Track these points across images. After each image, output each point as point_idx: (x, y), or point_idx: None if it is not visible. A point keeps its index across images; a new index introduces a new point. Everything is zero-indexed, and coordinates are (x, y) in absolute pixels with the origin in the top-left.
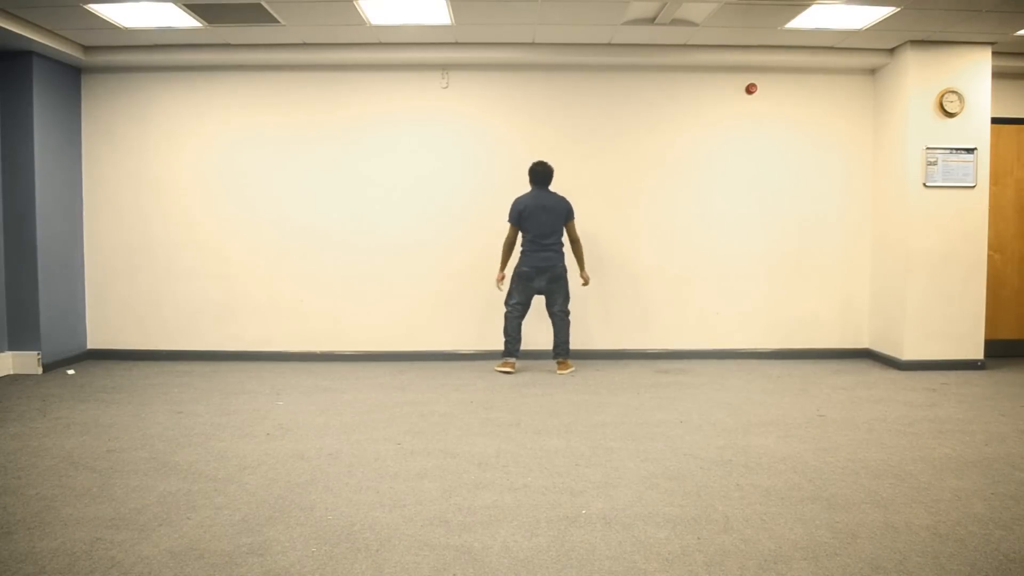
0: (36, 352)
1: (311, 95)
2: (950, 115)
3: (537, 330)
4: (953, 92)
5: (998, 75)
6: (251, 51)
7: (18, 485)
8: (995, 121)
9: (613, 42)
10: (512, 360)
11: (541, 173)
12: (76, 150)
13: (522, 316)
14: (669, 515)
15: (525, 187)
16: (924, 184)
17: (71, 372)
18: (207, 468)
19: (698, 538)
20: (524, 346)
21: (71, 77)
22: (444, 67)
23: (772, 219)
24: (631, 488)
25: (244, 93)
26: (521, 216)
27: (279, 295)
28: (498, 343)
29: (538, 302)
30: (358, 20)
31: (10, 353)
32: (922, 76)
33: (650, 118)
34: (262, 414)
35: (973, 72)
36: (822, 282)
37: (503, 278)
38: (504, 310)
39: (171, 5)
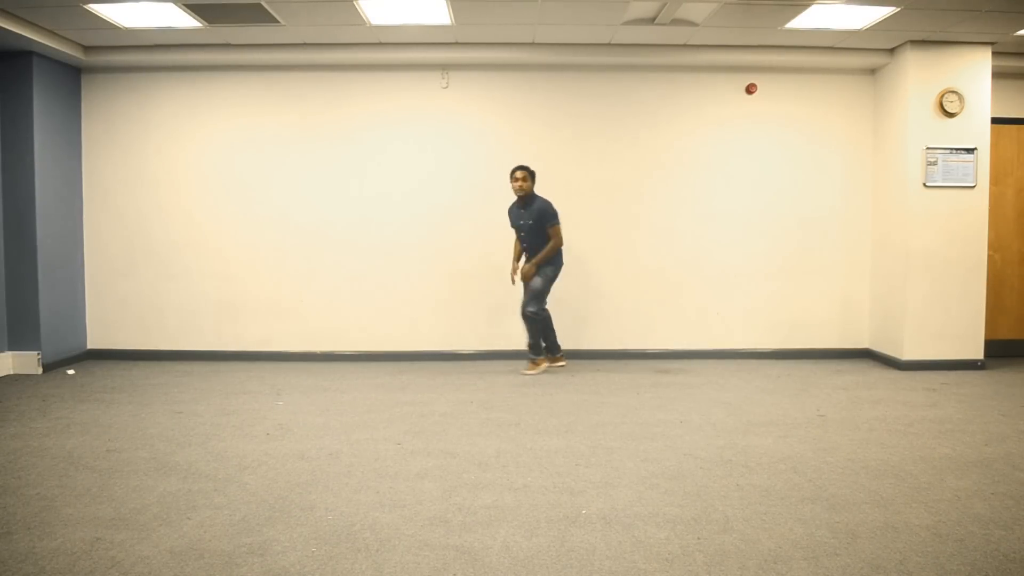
0: (36, 352)
1: (311, 95)
2: (950, 115)
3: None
4: (953, 92)
5: (998, 75)
6: (251, 51)
7: (18, 485)
8: (995, 121)
9: (613, 42)
10: (553, 356)
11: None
12: (76, 150)
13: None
14: (669, 515)
15: None
16: (924, 184)
17: (71, 372)
18: (207, 468)
19: (698, 538)
20: (519, 347)
21: (71, 77)
22: (444, 67)
23: (772, 219)
24: (631, 488)
25: (244, 93)
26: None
27: (279, 295)
28: (499, 343)
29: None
30: (358, 20)
31: (10, 353)
32: (922, 76)
33: (650, 118)
34: (262, 414)
35: (973, 72)
36: (822, 282)
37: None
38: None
39: (171, 5)
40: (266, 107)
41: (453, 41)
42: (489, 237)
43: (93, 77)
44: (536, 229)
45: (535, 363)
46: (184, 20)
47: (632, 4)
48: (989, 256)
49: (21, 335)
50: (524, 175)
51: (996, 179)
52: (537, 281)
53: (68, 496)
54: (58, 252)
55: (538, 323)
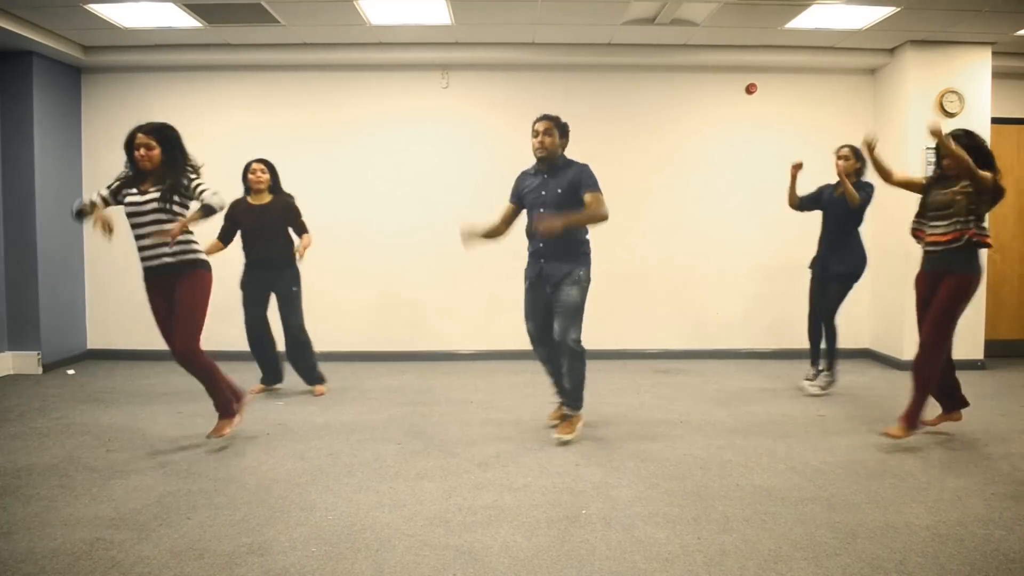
0: (36, 352)
1: (311, 95)
2: (950, 115)
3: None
4: (953, 92)
5: (998, 75)
6: (251, 51)
7: (18, 485)
8: (995, 121)
9: (613, 42)
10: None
11: None
12: (76, 150)
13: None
14: (669, 515)
15: None
16: None
17: (71, 372)
18: (207, 468)
19: (698, 538)
20: (523, 346)
21: (71, 77)
22: (444, 67)
23: (772, 219)
24: (631, 488)
25: (244, 93)
26: None
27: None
28: (499, 343)
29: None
30: (358, 20)
31: (10, 353)
32: (922, 76)
33: (650, 118)
34: (262, 414)
35: (973, 72)
36: None
37: None
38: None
39: (171, 5)
40: (266, 107)
41: (453, 41)
42: None
43: (93, 77)
44: (563, 202)
45: (573, 420)
46: (184, 20)
47: (632, 4)
48: (989, 256)
49: (21, 335)
50: (548, 125)
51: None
52: (573, 293)
53: (68, 496)
54: (58, 252)
55: (583, 358)
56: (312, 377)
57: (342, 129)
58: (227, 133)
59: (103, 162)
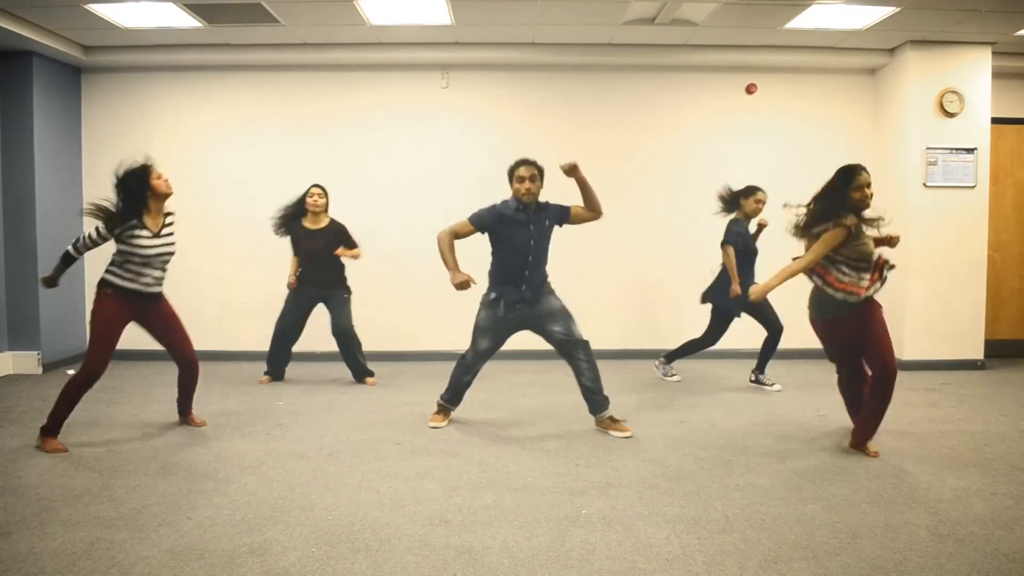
0: (36, 352)
1: (311, 95)
2: (950, 115)
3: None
4: (953, 92)
5: (998, 75)
6: (251, 51)
7: (18, 485)
8: (995, 121)
9: (613, 42)
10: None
11: None
12: (76, 150)
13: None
14: (669, 515)
15: None
16: (924, 184)
17: (71, 372)
18: (207, 468)
19: (698, 538)
20: (523, 347)
21: (71, 77)
22: (444, 67)
23: (771, 218)
24: (631, 488)
25: (244, 93)
26: None
27: (279, 295)
28: None
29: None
30: (358, 20)
31: (10, 353)
32: (922, 76)
33: (650, 118)
34: (262, 414)
35: (973, 72)
36: None
37: None
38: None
39: (171, 5)
40: (266, 107)
41: (453, 41)
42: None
43: (93, 77)
44: (549, 237)
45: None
46: (184, 20)
47: (632, 4)
48: (989, 256)
49: (21, 335)
50: (533, 172)
51: (996, 179)
52: (560, 301)
53: (68, 496)
54: (58, 252)
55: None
56: (362, 373)
57: (342, 129)
58: (227, 133)
59: (103, 162)
